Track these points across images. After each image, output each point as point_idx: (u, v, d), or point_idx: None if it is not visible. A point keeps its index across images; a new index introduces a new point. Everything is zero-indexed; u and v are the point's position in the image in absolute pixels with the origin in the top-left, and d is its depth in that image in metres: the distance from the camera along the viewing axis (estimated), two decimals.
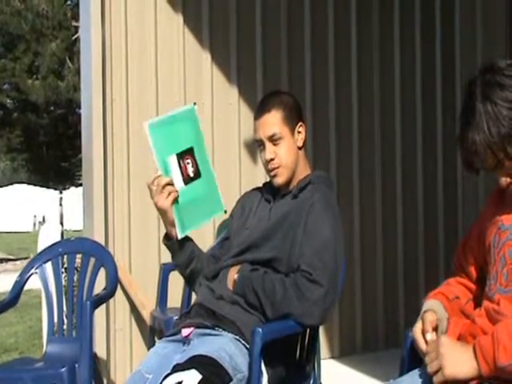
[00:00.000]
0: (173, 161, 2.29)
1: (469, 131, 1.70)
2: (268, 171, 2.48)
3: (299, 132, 2.49)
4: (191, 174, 2.33)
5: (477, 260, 1.96)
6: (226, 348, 2.14)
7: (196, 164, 2.33)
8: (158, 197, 2.33)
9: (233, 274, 2.36)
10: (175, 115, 2.34)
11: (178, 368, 2.02)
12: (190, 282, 2.56)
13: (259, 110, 2.50)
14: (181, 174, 2.32)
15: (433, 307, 1.90)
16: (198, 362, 2.02)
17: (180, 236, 2.39)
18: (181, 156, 2.30)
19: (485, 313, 1.79)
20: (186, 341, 2.26)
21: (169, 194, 2.31)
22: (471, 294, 1.99)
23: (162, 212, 2.36)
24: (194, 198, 2.36)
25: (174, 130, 2.30)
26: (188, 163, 2.31)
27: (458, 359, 1.65)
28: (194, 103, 2.41)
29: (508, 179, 1.75)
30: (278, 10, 4.62)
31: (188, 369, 1.99)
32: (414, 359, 1.90)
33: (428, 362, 1.71)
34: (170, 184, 2.32)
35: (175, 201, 2.32)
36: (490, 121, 1.67)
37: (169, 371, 2.04)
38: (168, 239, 2.47)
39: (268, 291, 2.26)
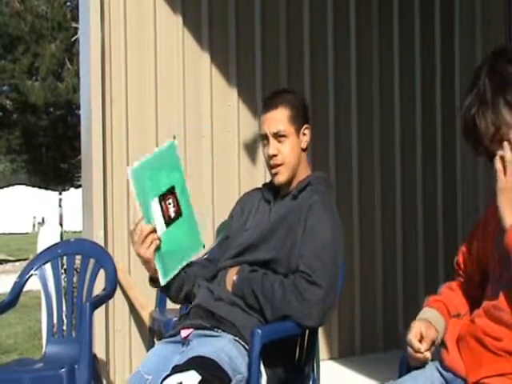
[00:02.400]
0: (155, 204, 2.21)
1: (468, 98, 1.74)
2: (270, 167, 2.48)
3: (304, 134, 2.50)
4: (172, 215, 2.25)
5: (480, 260, 1.95)
6: (225, 349, 2.14)
7: (177, 203, 2.27)
8: (140, 246, 2.25)
9: (232, 276, 2.36)
10: (156, 154, 2.24)
11: (177, 369, 2.02)
12: (184, 303, 2.52)
13: (267, 105, 2.49)
14: (162, 217, 2.24)
15: (428, 317, 1.91)
16: (197, 363, 2.02)
17: (163, 282, 2.29)
18: (163, 197, 2.23)
19: (483, 313, 1.79)
20: (185, 342, 2.25)
21: (151, 243, 2.24)
22: (470, 304, 1.98)
23: (145, 261, 2.29)
24: (175, 240, 2.29)
25: (155, 171, 2.22)
26: (169, 204, 2.23)
27: None
28: (174, 137, 2.34)
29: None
30: (276, 12, 4.62)
31: (187, 370, 1.99)
32: None
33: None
34: (153, 231, 2.24)
35: (157, 248, 2.25)
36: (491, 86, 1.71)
37: (168, 372, 2.04)
38: (154, 281, 2.39)
39: (267, 293, 2.26)
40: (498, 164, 1.67)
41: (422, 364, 1.86)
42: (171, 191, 2.24)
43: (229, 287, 2.35)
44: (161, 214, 2.22)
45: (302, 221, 2.35)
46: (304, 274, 2.24)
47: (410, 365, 1.90)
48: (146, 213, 2.21)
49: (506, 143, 1.67)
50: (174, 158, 2.29)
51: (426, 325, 1.87)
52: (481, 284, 1.95)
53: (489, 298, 1.80)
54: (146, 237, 2.23)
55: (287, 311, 2.24)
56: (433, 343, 1.86)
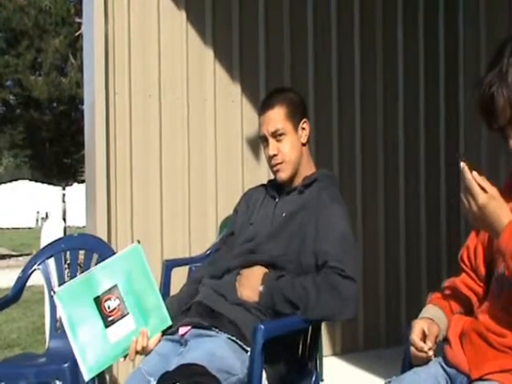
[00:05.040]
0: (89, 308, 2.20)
1: (489, 75, 1.72)
2: (271, 167, 2.48)
3: (303, 128, 2.50)
4: (111, 317, 2.23)
5: (486, 252, 1.94)
6: (218, 351, 2.12)
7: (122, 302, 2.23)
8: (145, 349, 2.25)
9: (250, 285, 2.32)
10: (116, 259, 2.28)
11: (164, 378, 2.02)
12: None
13: (263, 107, 2.50)
14: (101, 318, 2.22)
15: (430, 316, 1.91)
16: (183, 374, 2.00)
17: (87, 378, 2.20)
18: (99, 299, 2.21)
19: (487, 309, 1.79)
20: (182, 340, 2.25)
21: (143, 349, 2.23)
22: (473, 300, 1.97)
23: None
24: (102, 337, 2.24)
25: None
26: (108, 305, 2.22)
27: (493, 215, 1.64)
28: (138, 241, 2.31)
29: None
30: (280, 7, 4.62)
31: (173, 383, 1.98)
32: None
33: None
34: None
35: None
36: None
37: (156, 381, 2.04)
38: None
39: (300, 295, 2.23)
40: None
41: (424, 363, 1.86)
42: (111, 291, 2.22)
43: (249, 295, 2.30)
44: (98, 315, 2.20)
45: (313, 217, 2.34)
46: (337, 270, 2.22)
47: (412, 362, 1.90)
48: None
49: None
50: (136, 262, 2.28)
51: (429, 322, 1.87)
52: (485, 278, 1.94)
53: (493, 294, 1.80)
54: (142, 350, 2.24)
55: (324, 309, 2.21)
56: (436, 340, 1.86)
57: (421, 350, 1.83)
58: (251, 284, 2.32)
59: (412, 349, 1.85)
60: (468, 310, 1.95)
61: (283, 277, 2.30)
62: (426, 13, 5.14)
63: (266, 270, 2.35)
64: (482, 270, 1.96)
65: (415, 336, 1.84)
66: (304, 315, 2.23)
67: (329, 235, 2.30)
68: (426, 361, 1.85)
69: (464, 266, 2.02)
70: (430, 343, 1.83)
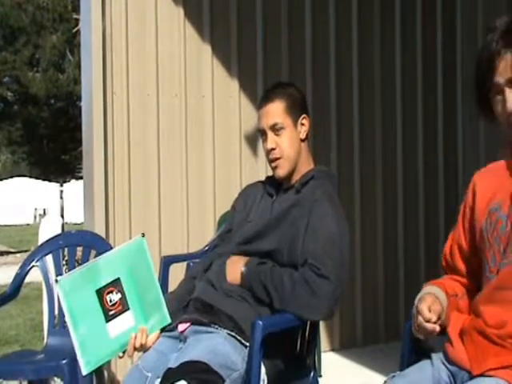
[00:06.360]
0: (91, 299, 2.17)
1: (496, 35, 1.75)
2: (269, 162, 2.48)
3: (302, 124, 2.49)
4: (112, 311, 2.21)
5: (463, 252, 1.96)
6: (219, 348, 2.13)
7: (123, 295, 2.22)
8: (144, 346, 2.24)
9: (237, 267, 2.35)
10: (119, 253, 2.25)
11: (169, 375, 2.03)
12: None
13: (263, 100, 2.50)
14: (102, 311, 2.20)
15: (434, 292, 1.91)
16: (187, 371, 2.01)
17: (85, 372, 2.18)
18: (101, 291, 2.19)
19: (486, 298, 1.78)
20: (181, 337, 2.26)
21: (141, 345, 2.22)
22: (465, 289, 1.98)
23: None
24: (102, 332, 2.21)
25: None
26: (110, 298, 2.20)
27: None
28: (143, 234, 2.28)
29: None
30: (279, 3, 4.61)
31: (178, 380, 1.99)
32: (415, 352, 1.91)
33: None
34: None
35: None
36: None
37: (161, 377, 2.04)
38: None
39: (276, 284, 2.25)
40: None
41: (427, 334, 1.83)
42: (114, 283, 2.20)
43: (233, 277, 2.34)
44: (99, 307, 2.18)
45: (305, 215, 2.34)
46: (313, 267, 2.23)
47: (411, 357, 1.90)
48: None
49: None
50: (138, 255, 2.26)
51: (433, 299, 1.85)
52: (469, 274, 1.96)
53: (488, 281, 1.80)
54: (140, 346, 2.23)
55: (296, 304, 2.22)
56: (439, 318, 1.84)
57: (428, 321, 1.81)
58: (236, 266, 2.36)
59: (419, 318, 1.81)
60: (461, 295, 1.95)
61: (264, 264, 2.32)
62: (424, 14, 5.14)
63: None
64: (462, 266, 1.98)
65: (424, 307, 1.82)
66: (280, 306, 2.24)
67: (316, 234, 2.29)
68: (429, 333, 1.81)
69: (447, 269, 2.05)
70: (434, 317, 1.81)
